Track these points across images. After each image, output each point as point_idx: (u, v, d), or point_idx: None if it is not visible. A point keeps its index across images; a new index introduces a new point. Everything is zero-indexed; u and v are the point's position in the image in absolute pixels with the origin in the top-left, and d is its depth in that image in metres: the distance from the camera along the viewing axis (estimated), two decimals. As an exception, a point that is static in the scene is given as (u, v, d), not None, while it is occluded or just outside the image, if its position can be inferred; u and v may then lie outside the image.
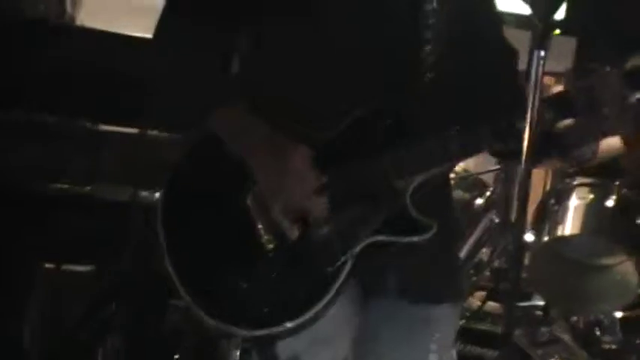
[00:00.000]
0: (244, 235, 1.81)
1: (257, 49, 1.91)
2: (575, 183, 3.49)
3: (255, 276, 1.80)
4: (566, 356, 3.41)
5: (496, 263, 3.41)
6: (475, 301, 3.61)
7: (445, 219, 1.85)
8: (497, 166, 3.59)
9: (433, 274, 1.89)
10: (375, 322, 1.92)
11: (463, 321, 3.52)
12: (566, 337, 3.50)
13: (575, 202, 3.43)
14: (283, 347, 1.83)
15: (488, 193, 3.43)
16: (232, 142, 1.79)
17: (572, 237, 3.37)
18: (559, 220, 3.40)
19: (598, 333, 3.52)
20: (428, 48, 1.88)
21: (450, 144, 1.80)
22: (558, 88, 4.47)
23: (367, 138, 1.82)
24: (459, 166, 3.51)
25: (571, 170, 3.62)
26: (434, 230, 1.78)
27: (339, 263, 1.77)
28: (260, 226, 1.80)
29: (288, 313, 1.77)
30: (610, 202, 3.38)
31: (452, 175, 3.41)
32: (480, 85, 1.94)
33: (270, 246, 1.80)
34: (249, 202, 1.80)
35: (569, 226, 3.39)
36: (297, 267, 1.80)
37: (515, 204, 1.91)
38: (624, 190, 3.43)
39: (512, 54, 2.04)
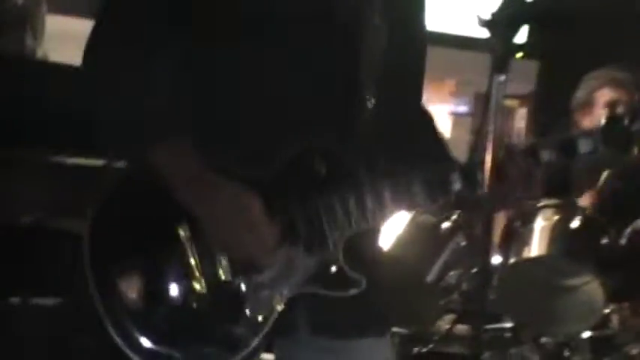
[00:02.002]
0: (172, 275, 1.75)
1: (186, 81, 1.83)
2: (540, 204, 3.51)
3: (183, 316, 1.75)
4: None
5: (464, 286, 3.40)
6: (444, 324, 3.60)
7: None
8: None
9: (348, 309, 1.83)
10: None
11: (431, 345, 3.52)
12: (536, 359, 3.51)
13: (541, 224, 3.45)
14: None
15: (454, 217, 3.43)
16: (177, 184, 1.72)
17: (538, 258, 3.38)
18: (525, 241, 3.42)
19: (567, 353, 3.53)
20: (365, 91, 1.86)
21: (384, 198, 1.78)
22: (522, 110, 4.52)
23: (302, 181, 1.78)
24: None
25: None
26: (363, 287, 1.76)
27: (270, 310, 1.75)
28: (192, 265, 1.75)
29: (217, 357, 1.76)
30: (575, 223, 3.40)
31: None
32: (409, 140, 1.96)
33: (199, 286, 1.75)
34: (183, 239, 1.75)
35: (536, 247, 3.40)
36: (228, 311, 1.76)
37: (482, 227, 1.92)
38: (589, 211, 3.46)
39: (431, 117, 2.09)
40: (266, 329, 1.75)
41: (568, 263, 3.35)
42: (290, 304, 1.78)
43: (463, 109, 5.55)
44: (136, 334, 1.72)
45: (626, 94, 4.04)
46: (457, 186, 1.80)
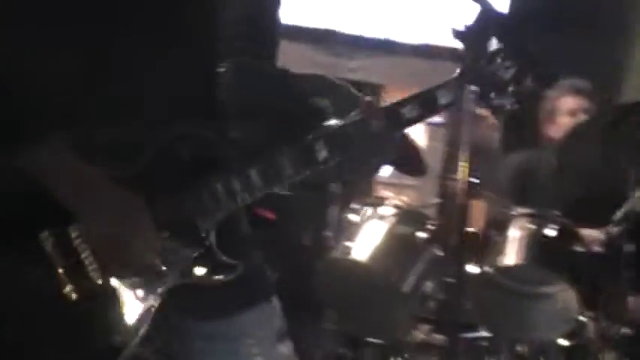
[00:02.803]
0: (38, 281, 1.68)
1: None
2: (514, 213, 3.53)
3: (53, 324, 1.69)
4: None
5: (440, 295, 3.41)
6: (420, 333, 3.60)
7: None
8: (438, 200, 3.62)
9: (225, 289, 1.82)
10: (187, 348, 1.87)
11: (407, 355, 3.52)
12: None
13: (515, 233, 3.46)
14: None
15: (430, 227, 3.44)
16: (55, 185, 1.65)
17: (513, 267, 3.39)
18: (500, 250, 3.43)
19: (543, 361, 3.55)
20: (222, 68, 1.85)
21: (252, 178, 1.77)
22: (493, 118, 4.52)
23: (171, 170, 1.76)
24: (401, 200, 3.53)
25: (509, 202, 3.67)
26: (239, 271, 1.76)
27: (149, 305, 1.73)
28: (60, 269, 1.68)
29: None
30: (550, 232, 3.42)
31: (394, 210, 3.45)
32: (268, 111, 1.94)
33: (69, 290, 1.69)
34: (49, 248, 1.68)
35: (511, 256, 3.41)
36: (103, 314, 1.72)
37: (456, 237, 1.93)
38: (563, 220, 3.48)
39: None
40: (143, 328, 1.72)
41: (542, 271, 3.36)
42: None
43: (437, 119, 5.58)
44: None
45: (585, 101, 4.15)
46: (323, 154, 1.78)
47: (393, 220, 3.41)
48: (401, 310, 3.30)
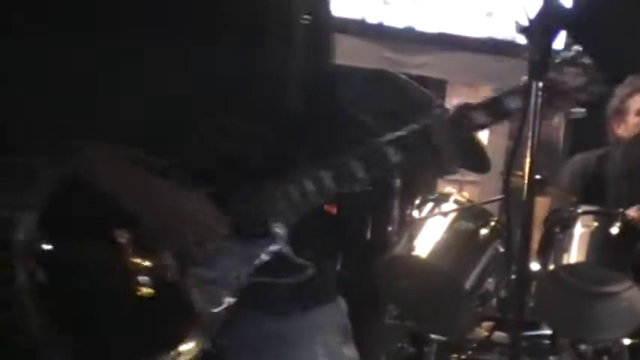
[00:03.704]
0: (116, 281, 1.71)
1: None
2: (579, 211, 3.50)
3: (131, 320, 1.71)
4: None
5: (502, 293, 3.39)
6: (482, 331, 3.60)
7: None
8: (502, 196, 3.60)
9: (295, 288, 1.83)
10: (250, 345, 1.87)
11: (469, 352, 3.51)
12: None
13: (580, 230, 3.42)
14: None
15: (492, 223, 3.42)
16: (107, 186, 1.68)
17: (577, 265, 3.36)
18: (564, 248, 3.40)
19: (608, 360, 3.52)
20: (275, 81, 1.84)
21: (324, 180, 1.78)
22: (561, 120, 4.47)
23: (242, 172, 1.77)
24: (463, 196, 3.52)
25: (574, 199, 3.64)
26: (311, 272, 1.76)
27: (218, 309, 1.74)
28: (136, 267, 1.71)
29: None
30: (614, 230, 3.38)
31: (456, 206, 3.44)
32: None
33: (145, 288, 1.71)
34: (123, 242, 1.70)
35: (575, 253, 3.38)
36: (177, 310, 1.74)
37: (519, 233, 1.91)
38: (628, 218, 3.43)
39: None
40: (216, 324, 1.74)
41: (607, 270, 3.33)
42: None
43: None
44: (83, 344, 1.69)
45: None
46: (396, 157, 1.79)
47: (455, 216, 3.40)
48: (463, 308, 3.29)
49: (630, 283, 3.25)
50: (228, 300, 1.75)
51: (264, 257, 1.76)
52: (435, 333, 3.58)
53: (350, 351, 1.94)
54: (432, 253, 3.31)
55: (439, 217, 3.40)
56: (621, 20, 5.02)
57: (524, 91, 1.79)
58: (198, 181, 1.75)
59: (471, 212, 3.46)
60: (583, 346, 3.56)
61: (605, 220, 3.41)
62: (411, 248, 3.36)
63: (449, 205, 3.45)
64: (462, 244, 3.36)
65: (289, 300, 1.84)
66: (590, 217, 3.45)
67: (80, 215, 1.70)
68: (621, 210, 3.45)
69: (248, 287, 1.77)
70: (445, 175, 1.98)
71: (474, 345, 3.56)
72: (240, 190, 1.76)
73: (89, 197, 1.69)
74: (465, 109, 1.83)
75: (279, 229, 1.77)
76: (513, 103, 1.82)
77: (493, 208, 3.63)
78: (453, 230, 3.37)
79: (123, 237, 1.70)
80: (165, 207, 1.71)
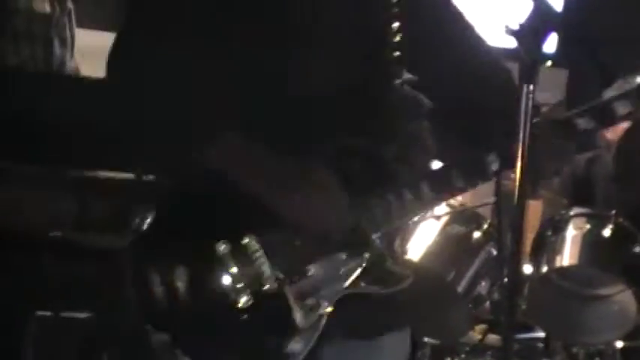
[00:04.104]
0: (214, 291, 1.70)
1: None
2: (571, 213, 3.50)
3: (228, 330, 1.72)
4: None
5: (495, 296, 3.39)
6: (475, 334, 3.59)
7: None
8: (494, 199, 3.59)
9: (376, 307, 1.82)
10: None
11: (463, 355, 3.50)
12: None
13: (573, 233, 3.44)
14: None
15: (485, 226, 3.42)
16: (245, 176, 1.69)
17: (570, 268, 3.38)
18: (556, 250, 3.41)
19: (600, 364, 3.52)
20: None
21: (422, 190, 1.78)
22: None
23: (340, 180, 1.75)
24: (456, 200, 3.51)
25: (566, 201, 3.64)
26: (410, 280, 1.76)
27: (316, 317, 1.72)
28: (234, 278, 1.71)
29: None
30: (607, 232, 3.38)
31: (448, 209, 3.43)
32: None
33: (244, 298, 1.71)
34: (223, 253, 1.71)
35: (567, 256, 3.39)
36: (275, 321, 1.73)
37: (511, 236, 1.90)
38: (620, 220, 3.44)
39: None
40: (315, 336, 1.72)
41: (600, 272, 3.34)
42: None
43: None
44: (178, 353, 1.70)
45: None
46: (495, 166, 1.80)
47: (447, 219, 3.40)
48: (456, 311, 3.29)
49: (622, 285, 3.27)
50: (326, 311, 1.73)
51: (363, 266, 1.75)
52: (428, 336, 3.57)
53: None
54: (425, 257, 3.31)
55: (431, 221, 3.39)
56: (610, 22, 5.04)
57: (636, 96, 1.81)
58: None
59: (463, 215, 3.45)
60: (575, 349, 3.57)
61: (597, 222, 3.42)
62: (404, 252, 3.35)
63: (441, 209, 3.44)
64: (454, 247, 3.36)
65: (373, 320, 1.82)
66: (582, 219, 3.47)
67: (183, 225, 1.73)
68: (613, 212, 3.46)
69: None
70: (542, 179, 1.98)
71: (467, 348, 3.56)
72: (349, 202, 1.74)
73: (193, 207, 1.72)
74: (572, 115, 1.83)
75: (378, 238, 1.76)
76: (623, 108, 1.82)
77: (485, 211, 3.62)
78: (445, 233, 3.37)
79: (223, 248, 1.70)
80: (311, 191, 1.70)
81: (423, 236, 3.37)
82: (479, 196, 3.73)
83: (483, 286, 3.37)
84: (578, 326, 3.40)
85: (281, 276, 1.71)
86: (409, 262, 3.33)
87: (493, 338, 3.53)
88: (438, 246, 3.35)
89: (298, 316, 1.71)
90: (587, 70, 4.94)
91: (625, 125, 4.09)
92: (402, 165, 1.81)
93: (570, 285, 3.35)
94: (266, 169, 1.71)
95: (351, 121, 1.79)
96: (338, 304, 1.75)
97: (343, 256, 1.75)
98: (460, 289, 3.27)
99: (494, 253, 3.40)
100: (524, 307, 3.28)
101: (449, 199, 1.85)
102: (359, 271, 1.75)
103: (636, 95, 1.82)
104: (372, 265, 1.76)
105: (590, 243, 3.40)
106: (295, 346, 1.72)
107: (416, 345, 3.61)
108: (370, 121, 1.82)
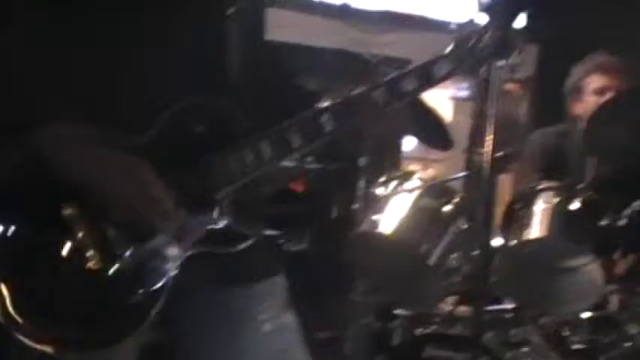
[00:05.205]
0: (66, 256, 1.72)
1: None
2: (541, 187, 3.52)
3: (79, 295, 1.73)
4: (535, 357, 3.41)
5: (466, 268, 3.41)
6: (446, 306, 3.62)
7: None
8: (465, 173, 3.61)
9: (240, 259, 1.87)
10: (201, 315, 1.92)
11: (434, 326, 3.53)
12: (536, 338, 3.52)
13: (542, 206, 3.46)
14: None
15: (456, 200, 3.43)
16: (65, 162, 1.70)
17: (539, 240, 3.39)
18: (526, 223, 3.43)
19: (567, 333, 3.54)
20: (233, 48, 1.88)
21: (262, 150, 1.82)
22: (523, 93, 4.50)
23: (184, 142, 1.80)
24: (427, 174, 3.53)
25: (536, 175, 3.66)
26: (250, 241, 1.83)
27: (165, 277, 1.77)
28: (84, 242, 1.72)
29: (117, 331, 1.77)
30: (575, 205, 3.41)
31: (420, 183, 3.45)
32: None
33: (94, 261, 1.73)
34: (72, 217, 1.72)
35: (537, 229, 3.41)
36: (124, 284, 1.75)
37: (482, 209, 1.92)
38: (589, 193, 3.46)
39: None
40: (162, 296, 1.77)
41: (568, 245, 3.35)
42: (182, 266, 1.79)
43: (464, 93, 5.57)
44: (39, 319, 1.71)
45: (614, 80, 4.02)
46: (329, 126, 1.83)
47: (419, 193, 3.41)
48: (428, 283, 3.31)
49: (590, 257, 3.28)
50: (174, 272, 1.78)
51: (207, 225, 1.80)
52: (400, 308, 3.60)
53: (291, 318, 2.00)
54: (397, 230, 3.33)
55: (404, 195, 3.41)
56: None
57: (453, 58, 1.86)
58: (166, 158, 1.77)
59: (434, 189, 3.48)
60: (544, 320, 3.58)
61: (566, 195, 3.44)
62: (376, 225, 3.37)
63: (413, 183, 3.46)
64: (426, 220, 3.38)
65: (233, 272, 1.88)
66: (551, 193, 3.49)
67: (34, 191, 1.71)
68: (581, 186, 3.48)
69: (194, 259, 1.80)
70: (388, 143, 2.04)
71: (439, 319, 3.58)
72: (182, 159, 1.78)
73: (43, 174, 1.70)
74: (395, 77, 1.86)
75: (224, 202, 1.81)
76: (442, 70, 1.87)
77: (457, 185, 3.65)
78: (417, 207, 3.39)
79: (71, 212, 1.71)
80: (120, 181, 1.71)
81: (395, 210, 3.39)
82: (450, 171, 3.75)
83: (454, 259, 3.39)
84: (547, 297, 3.40)
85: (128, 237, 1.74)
86: (381, 235, 3.36)
87: (464, 309, 3.55)
88: (410, 219, 3.37)
89: (145, 276, 1.76)
90: (559, 45, 4.96)
91: (595, 99, 4.12)
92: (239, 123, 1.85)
93: (539, 257, 3.35)
94: (96, 160, 1.72)
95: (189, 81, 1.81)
96: (195, 260, 1.80)
97: (188, 214, 1.78)
98: (432, 261, 3.29)
99: (465, 226, 3.42)
100: (494, 278, 3.29)
101: (290, 160, 1.89)
102: (203, 229, 1.80)
103: (456, 56, 1.87)
104: (215, 225, 1.81)
105: (559, 216, 3.41)
106: (146, 307, 1.75)
107: (390, 316, 3.65)
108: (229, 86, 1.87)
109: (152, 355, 1.96)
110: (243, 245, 1.84)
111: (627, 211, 3.45)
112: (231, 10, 1.88)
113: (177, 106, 1.79)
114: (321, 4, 4.83)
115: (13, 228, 1.71)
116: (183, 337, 1.95)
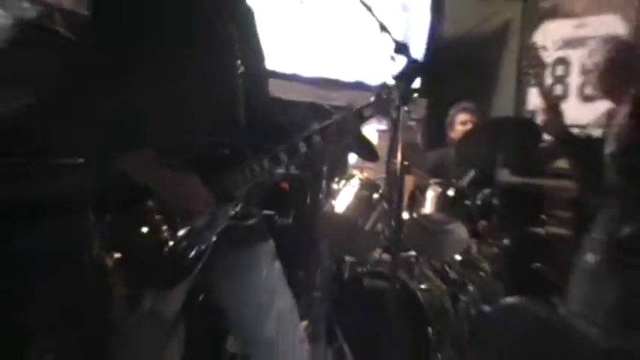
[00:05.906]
0: (147, 232, 1.68)
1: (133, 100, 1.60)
2: (431, 182, 3.55)
3: (156, 259, 1.69)
4: (429, 285, 3.46)
5: (387, 232, 3.44)
6: (376, 254, 3.65)
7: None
8: (385, 175, 3.63)
9: (247, 232, 1.86)
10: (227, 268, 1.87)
11: (368, 266, 3.56)
12: (430, 273, 3.54)
13: (432, 194, 3.49)
14: None
15: (380, 191, 3.48)
16: (144, 177, 1.65)
17: (429, 214, 3.41)
18: (422, 204, 3.44)
19: (447, 269, 3.59)
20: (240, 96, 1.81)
21: (263, 164, 1.79)
22: (419, 127, 4.48)
23: (214, 161, 1.75)
24: (364, 176, 3.55)
25: (429, 177, 3.72)
26: (258, 217, 1.85)
27: (204, 246, 1.74)
28: (161, 223, 1.68)
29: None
30: (450, 193, 3.48)
31: (359, 181, 3.48)
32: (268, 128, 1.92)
33: (163, 236, 1.69)
34: (151, 207, 1.67)
35: (428, 208, 3.43)
36: (177, 251, 1.72)
37: (396, 196, 1.96)
38: (459, 186, 3.54)
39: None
40: (204, 256, 1.74)
41: (445, 216, 3.35)
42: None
43: (383, 127, 5.54)
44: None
45: (473, 116, 4.16)
46: (303, 149, 1.79)
47: (358, 187, 3.36)
48: (364, 240, 3.26)
49: (458, 222, 3.33)
50: (213, 239, 1.76)
51: (232, 212, 1.79)
52: (348, 255, 3.63)
53: (278, 265, 1.96)
54: (346, 210, 3.21)
55: (349, 188, 3.44)
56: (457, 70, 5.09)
57: (375, 105, 1.80)
58: (204, 171, 1.74)
59: (368, 185, 3.44)
60: (433, 262, 3.61)
61: (445, 187, 3.50)
62: (334, 208, 3.40)
63: (355, 181, 3.48)
64: (363, 204, 3.19)
65: (245, 238, 1.86)
66: (437, 186, 3.50)
67: (123, 193, 1.68)
68: (454, 181, 3.54)
69: (222, 232, 1.77)
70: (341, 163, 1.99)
71: (371, 262, 3.49)
72: (216, 174, 1.76)
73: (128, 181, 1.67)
74: (360, 108, 1.82)
75: (241, 196, 1.79)
76: (369, 113, 1.83)
77: (381, 182, 3.69)
78: (357, 196, 3.28)
79: (151, 205, 1.70)
80: (176, 187, 1.69)
81: (344, 197, 3.40)
82: (378, 174, 3.79)
83: (379, 226, 3.43)
84: (435, 248, 3.41)
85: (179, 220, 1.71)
86: (336, 214, 3.39)
87: (386, 256, 3.59)
88: (353, 204, 3.26)
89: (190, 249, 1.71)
90: (440, 98, 5.00)
91: (462, 129, 4.20)
92: (251, 149, 1.81)
93: (429, 224, 3.36)
94: (160, 174, 1.68)
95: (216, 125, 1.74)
96: (224, 233, 1.76)
97: (220, 205, 1.75)
98: (367, 228, 3.25)
99: (386, 207, 3.47)
100: (403, 237, 3.34)
101: (281, 169, 1.90)
102: (229, 214, 1.77)
103: (377, 104, 1.79)
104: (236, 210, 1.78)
105: (442, 199, 3.38)
106: (192, 264, 1.73)
107: (341, 260, 3.68)
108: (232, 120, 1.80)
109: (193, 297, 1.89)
110: (251, 221, 1.84)
111: (481, 196, 3.51)
112: (241, 70, 1.80)
113: (209, 139, 1.73)
114: (295, 75, 4.82)
115: (110, 215, 1.67)
116: (216, 279, 1.89)
